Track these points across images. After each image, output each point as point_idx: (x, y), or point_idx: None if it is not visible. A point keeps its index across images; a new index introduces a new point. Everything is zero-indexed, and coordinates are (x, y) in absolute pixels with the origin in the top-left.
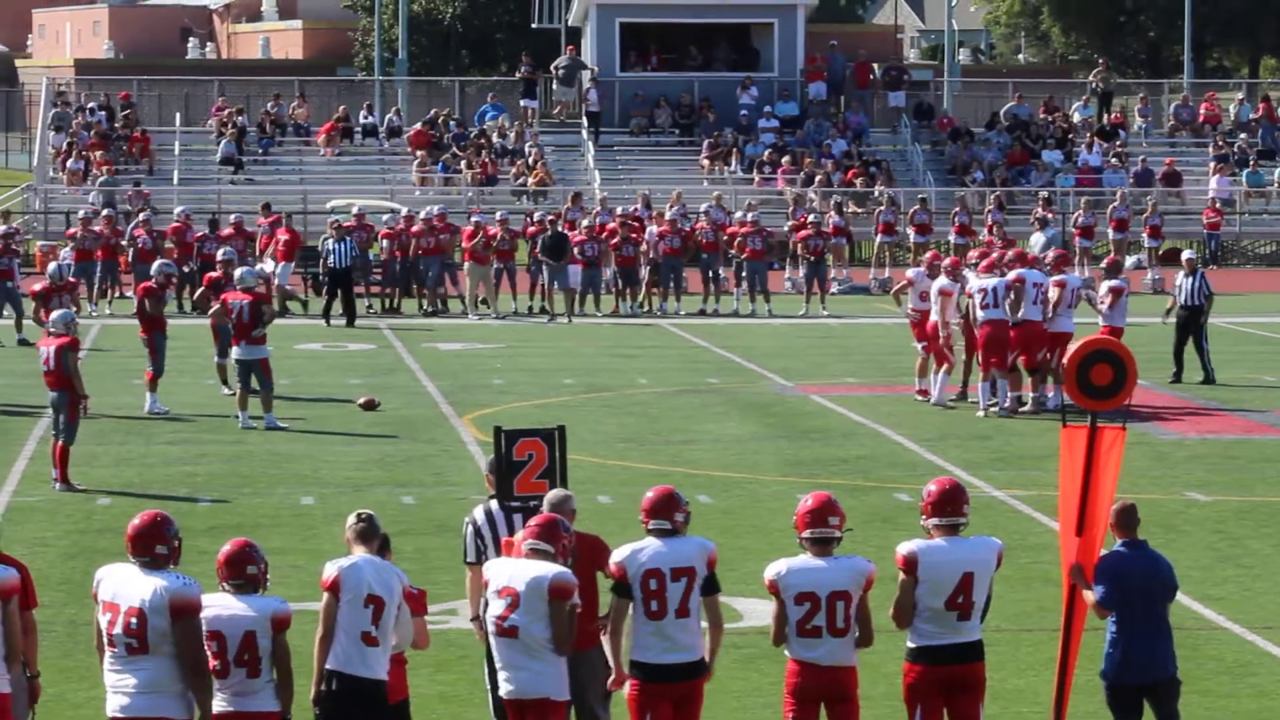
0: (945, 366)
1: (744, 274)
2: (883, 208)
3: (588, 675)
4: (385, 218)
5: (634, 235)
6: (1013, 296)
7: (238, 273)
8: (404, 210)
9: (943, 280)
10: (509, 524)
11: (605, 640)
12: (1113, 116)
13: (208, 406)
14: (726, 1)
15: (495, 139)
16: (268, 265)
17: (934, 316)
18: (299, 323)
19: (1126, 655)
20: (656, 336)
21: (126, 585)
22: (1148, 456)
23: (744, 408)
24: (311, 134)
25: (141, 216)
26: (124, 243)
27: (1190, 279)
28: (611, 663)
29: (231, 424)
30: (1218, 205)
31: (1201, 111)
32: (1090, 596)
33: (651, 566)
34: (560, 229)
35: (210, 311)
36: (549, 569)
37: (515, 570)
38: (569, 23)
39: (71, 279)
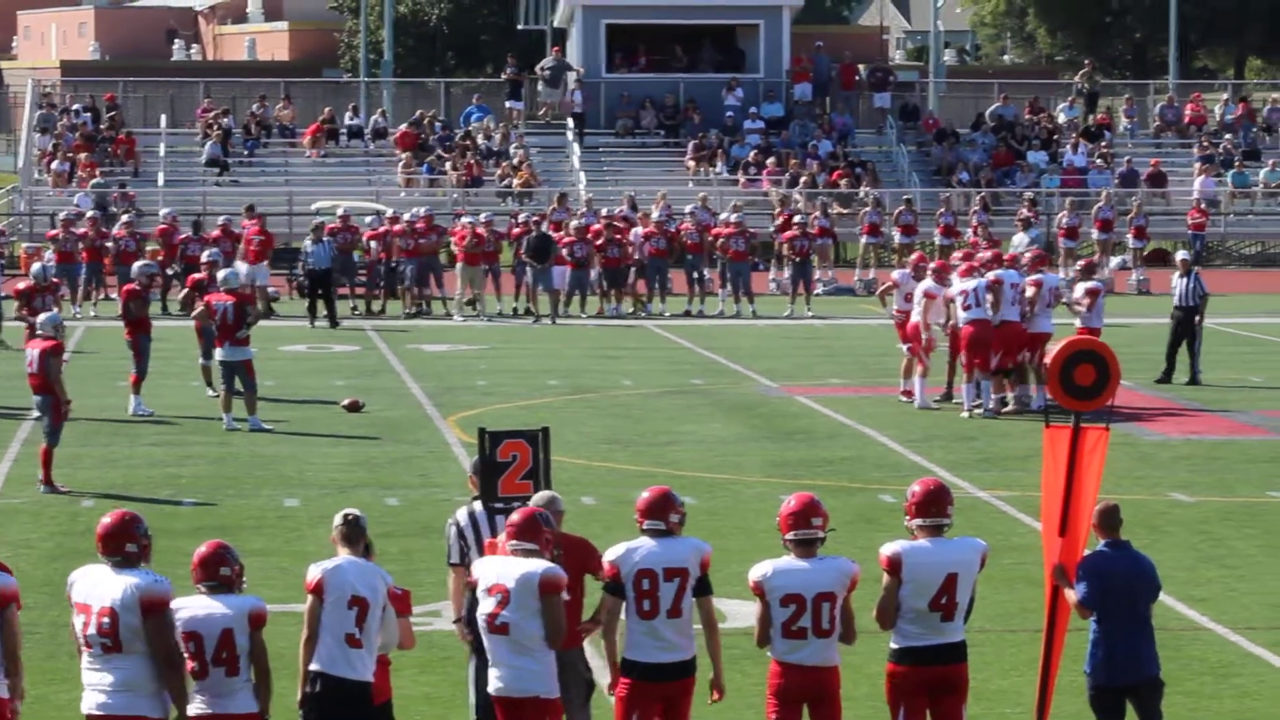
0: (920, 370)
1: (728, 275)
2: (868, 209)
3: (570, 675)
4: (369, 219)
5: (619, 236)
6: (991, 297)
7: (221, 274)
8: (389, 212)
9: (928, 282)
10: (492, 525)
11: (588, 642)
12: (1098, 117)
13: (192, 408)
14: (712, 3)
15: (480, 140)
16: (241, 267)
17: (915, 318)
18: (283, 325)
19: (1110, 656)
20: (641, 338)
21: (98, 586)
22: (1132, 457)
23: (728, 409)
24: (297, 135)
25: (125, 218)
26: (107, 244)
27: (1185, 279)
28: (608, 664)
29: (216, 426)
30: (1203, 206)
31: (1187, 112)
32: (1072, 597)
33: (645, 566)
34: (545, 230)
35: (194, 313)
36: (538, 564)
37: (504, 568)
38: (554, 24)
39: (55, 279)
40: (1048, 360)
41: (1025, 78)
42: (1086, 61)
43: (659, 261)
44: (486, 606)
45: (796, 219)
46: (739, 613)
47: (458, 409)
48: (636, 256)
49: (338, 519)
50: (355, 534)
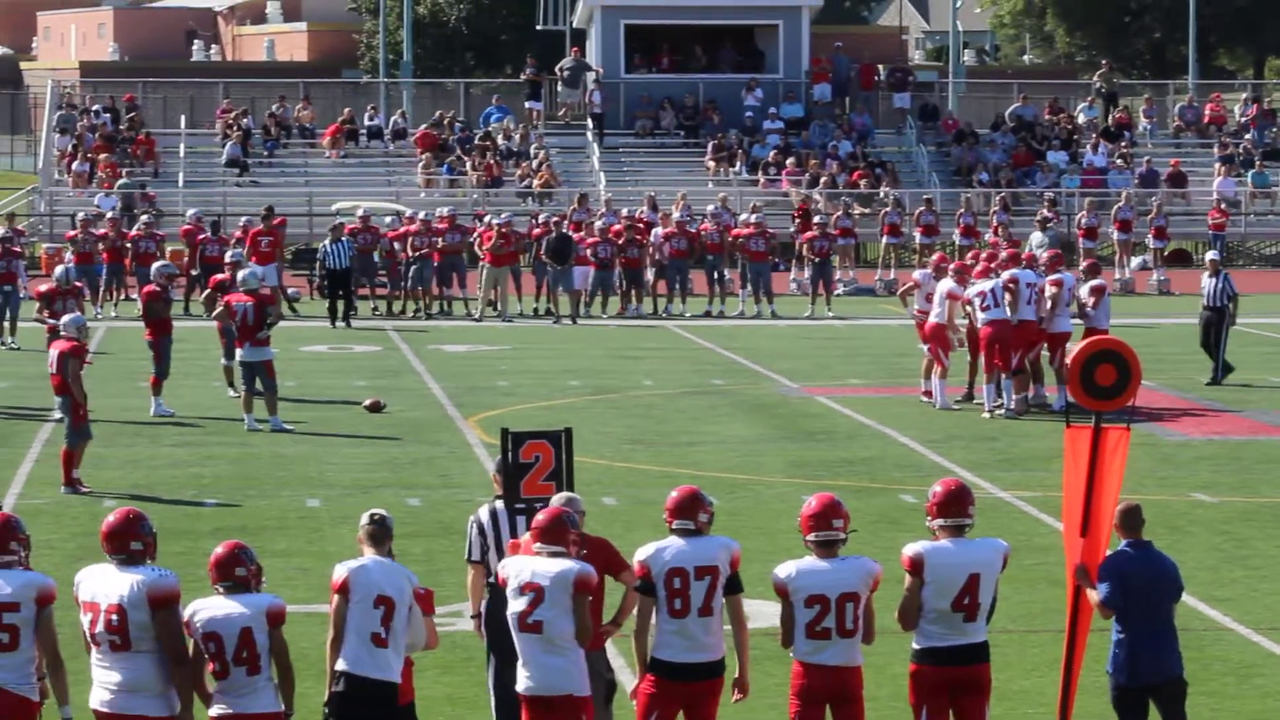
0: (939, 371)
1: (749, 275)
2: (888, 209)
3: (591, 675)
4: (389, 220)
5: (639, 237)
6: (1009, 297)
7: (241, 274)
8: (407, 212)
9: (950, 283)
10: (513, 525)
11: (610, 641)
12: (1117, 116)
13: (213, 409)
14: (731, 3)
15: (500, 141)
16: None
17: (934, 318)
18: (304, 325)
19: (1132, 656)
20: (662, 338)
21: (105, 584)
22: (1154, 457)
23: (749, 409)
24: (316, 136)
25: (144, 219)
26: (126, 245)
27: (1214, 280)
28: (638, 664)
29: (237, 426)
30: (1223, 206)
31: (1206, 112)
32: (1094, 597)
33: (675, 565)
34: (565, 231)
35: (214, 314)
36: (572, 564)
37: (537, 566)
38: (574, 25)
39: (77, 283)
40: (1068, 361)
41: (1045, 78)
42: (1105, 62)
43: (679, 262)
44: (518, 605)
45: (816, 219)
46: (760, 613)
47: (479, 409)
48: (657, 257)
49: (364, 518)
50: (382, 534)
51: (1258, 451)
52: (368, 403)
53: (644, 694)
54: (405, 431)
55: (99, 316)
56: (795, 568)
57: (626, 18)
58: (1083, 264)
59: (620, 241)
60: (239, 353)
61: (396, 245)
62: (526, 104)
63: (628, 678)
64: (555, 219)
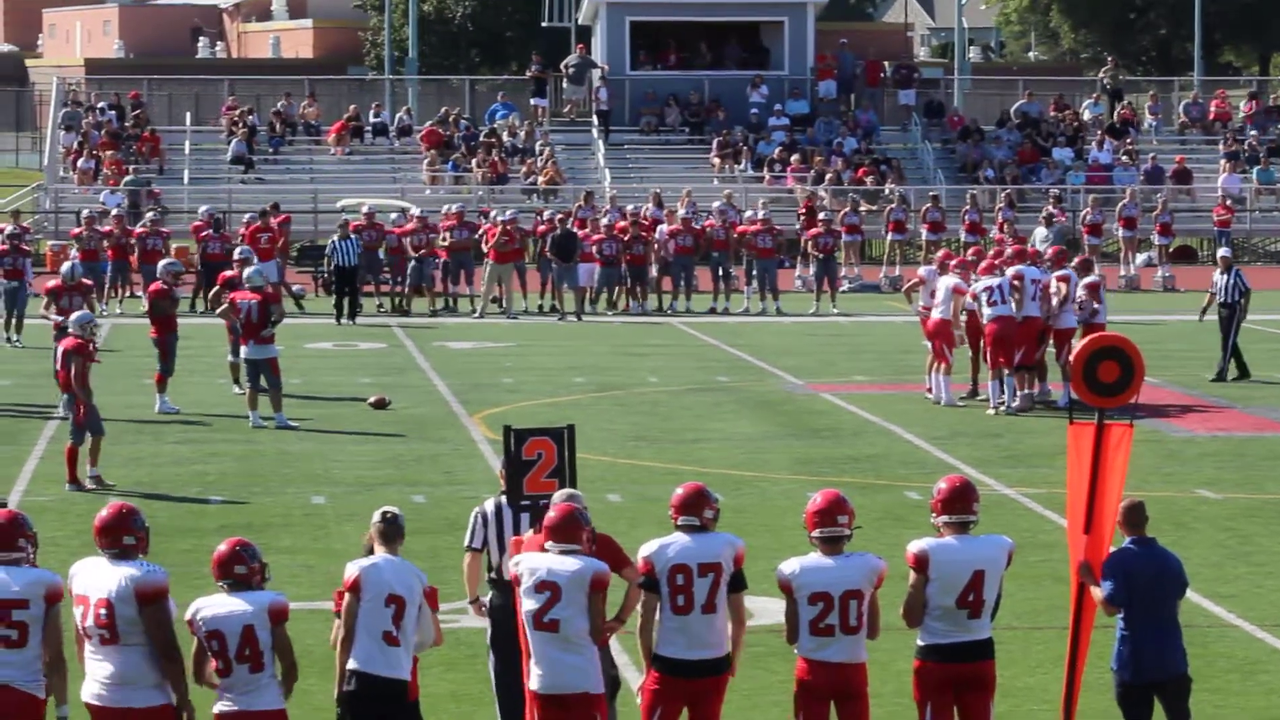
0: (944, 367)
1: (754, 272)
2: (893, 206)
3: None
4: (394, 217)
5: (644, 234)
6: (1015, 294)
7: (246, 272)
8: (412, 209)
9: (953, 278)
10: (517, 521)
11: (615, 638)
12: (1122, 113)
13: (218, 406)
14: (737, 0)
15: (505, 138)
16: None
17: (938, 314)
18: (309, 322)
19: (1137, 653)
20: (667, 335)
21: (96, 577)
22: (1158, 454)
23: (754, 406)
24: (322, 133)
25: (150, 216)
26: (131, 242)
27: (1226, 276)
28: (644, 661)
29: (242, 423)
30: (1228, 202)
31: (1212, 109)
32: (1099, 594)
33: (679, 561)
34: (570, 228)
35: (218, 310)
36: (588, 562)
37: (553, 565)
38: (579, 21)
39: (85, 280)
40: (1072, 357)
41: (1050, 74)
42: (1110, 58)
43: (685, 259)
44: (533, 604)
45: (821, 216)
46: (766, 610)
47: (484, 406)
48: (662, 254)
49: (376, 516)
50: (393, 532)
51: (1262, 448)
52: (373, 400)
53: (648, 690)
54: (410, 428)
55: (104, 313)
56: (799, 564)
57: (632, 14)
58: (1074, 261)
59: (626, 238)
60: (243, 350)
61: (405, 241)
62: (532, 101)
63: (633, 674)
64: (560, 216)
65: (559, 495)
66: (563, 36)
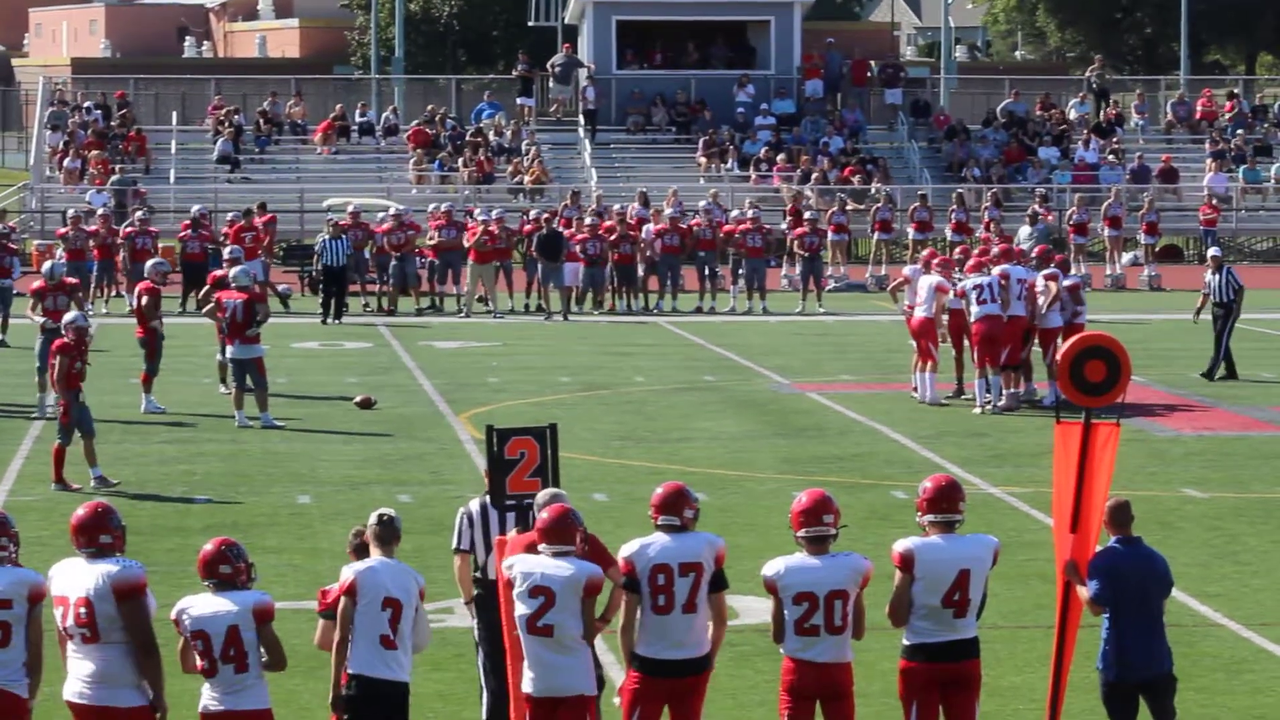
0: (930, 365)
1: (742, 271)
2: (880, 205)
3: None
4: (380, 216)
5: (632, 233)
6: (1002, 293)
7: (232, 272)
8: (395, 209)
9: (936, 277)
10: (502, 521)
11: (599, 637)
12: (1108, 112)
13: (204, 405)
14: (723, 0)
15: (492, 137)
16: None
17: (922, 312)
18: (295, 321)
19: (1122, 652)
20: (653, 334)
21: (74, 577)
22: (1144, 453)
23: (740, 405)
24: (308, 133)
25: (139, 215)
26: (118, 241)
27: (1217, 275)
28: (625, 660)
29: (228, 423)
30: (1214, 202)
31: (1198, 108)
32: (1085, 593)
33: (660, 561)
34: (556, 227)
35: (205, 310)
36: (582, 566)
37: (547, 569)
38: (565, 21)
39: (70, 280)
40: (1059, 357)
41: (1036, 74)
42: (1096, 57)
43: (671, 258)
44: (527, 608)
45: (807, 215)
46: (751, 609)
47: (470, 406)
48: (648, 253)
49: (372, 519)
50: (389, 534)
51: (1248, 447)
52: (359, 399)
53: (628, 690)
54: (396, 428)
55: (90, 313)
56: (784, 565)
57: (618, 14)
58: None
59: (613, 238)
60: (229, 350)
61: (384, 240)
62: (518, 100)
63: (617, 674)
64: (546, 215)
65: (542, 495)
66: (549, 36)
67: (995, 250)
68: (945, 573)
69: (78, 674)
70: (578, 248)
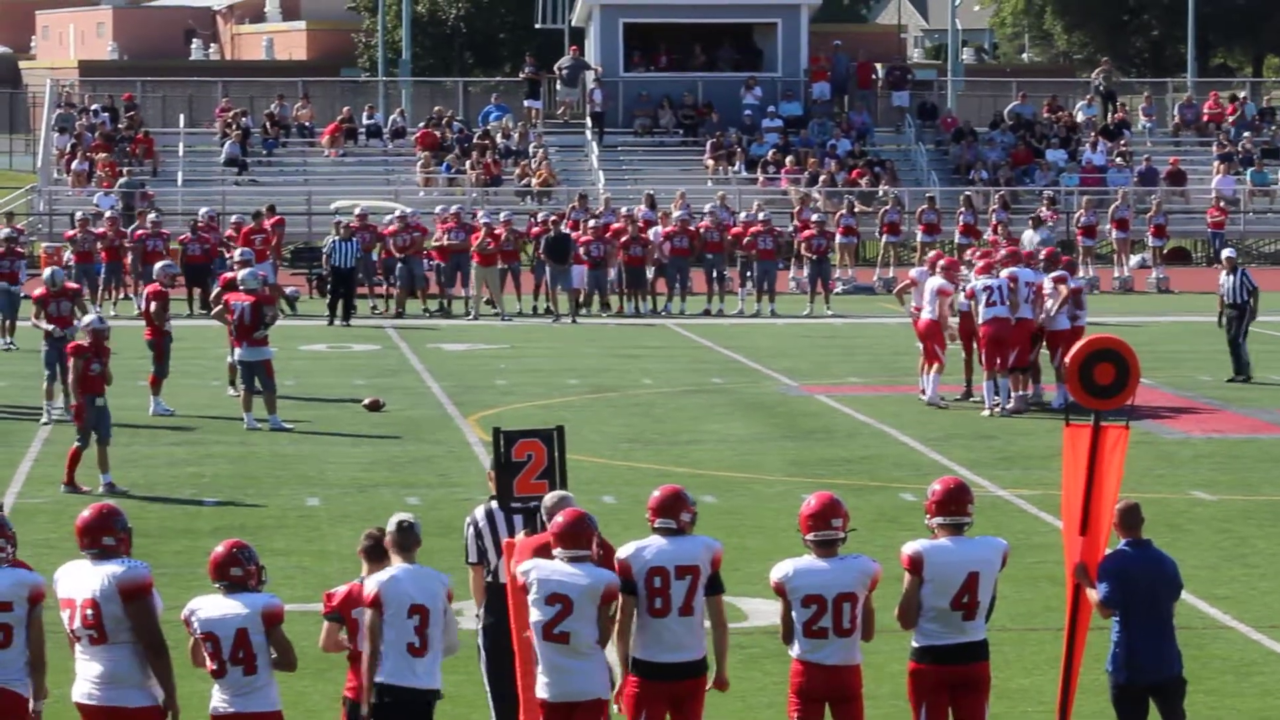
0: (936, 366)
1: (752, 274)
2: (887, 207)
3: None
4: (386, 219)
5: (642, 235)
6: (1011, 296)
7: (241, 274)
8: (401, 210)
9: (940, 279)
10: (509, 524)
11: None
12: (1116, 114)
13: (213, 408)
14: (730, 2)
15: (499, 140)
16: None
17: (928, 315)
18: (304, 324)
19: (1132, 655)
20: (661, 337)
21: (80, 579)
22: (1153, 455)
23: (748, 408)
24: (315, 135)
25: (151, 218)
26: (126, 244)
27: (1231, 277)
28: (618, 667)
29: (236, 425)
30: (1222, 204)
31: (1205, 110)
32: (1094, 596)
33: (656, 564)
34: (563, 229)
35: (214, 312)
36: (599, 575)
37: (564, 577)
38: (572, 23)
39: (73, 284)
40: (1068, 359)
41: (1044, 76)
42: (1104, 60)
43: (680, 261)
44: (543, 615)
45: (815, 217)
46: (760, 611)
47: (478, 408)
48: (656, 256)
49: (391, 526)
50: (409, 541)
51: (1257, 449)
52: (367, 401)
53: (629, 695)
54: (404, 430)
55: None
56: (792, 567)
57: (625, 16)
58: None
59: (624, 240)
60: (237, 352)
61: (390, 242)
62: (525, 103)
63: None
64: (554, 218)
65: (550, 497)
66: (556, 38)
67: (1003, 252)
68: (954, 575)
69: (86, 675)
70: (581, 250)
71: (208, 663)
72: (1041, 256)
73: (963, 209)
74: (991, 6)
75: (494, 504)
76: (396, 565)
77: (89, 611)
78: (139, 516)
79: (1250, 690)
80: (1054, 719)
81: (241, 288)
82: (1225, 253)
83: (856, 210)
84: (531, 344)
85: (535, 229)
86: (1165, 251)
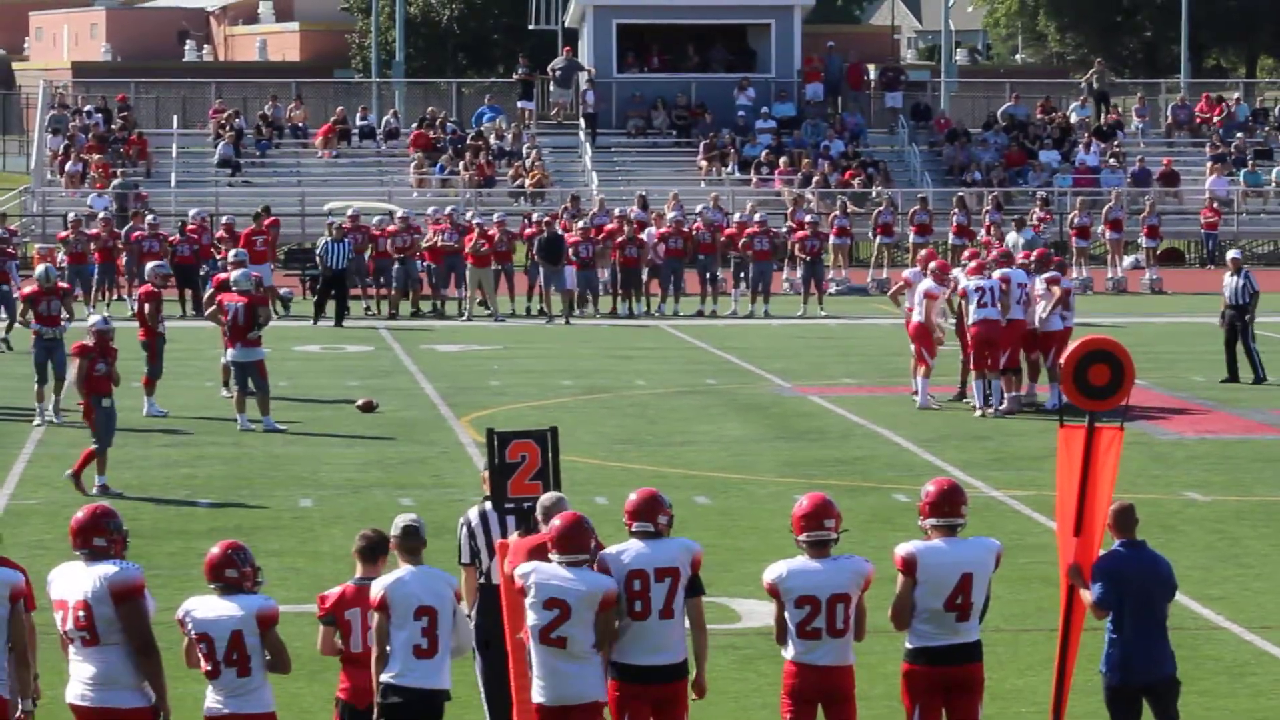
0: (923, 370)
1: (746, 274)
2: (881, 208)
3: None
4: (375, 219)
5: (638, 236)
6: (1002, 297)
7: (234, 275)
8: (399, 212)
9: (928, 282)
10: (502, 525)
11: None
12: (1109, 116)
13: (206, 409)
14: (723, 3)
15: (492, 141)
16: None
17: (918, 317)
18: (296, 325)
19: (1125, 656)
20: (654, 338)
21: (72, 580)
22: (1146, 456)
23: (742, 409)
24: (309, 136)
25: (149, 220)
26: (120, 245)
27: (1235, 278)
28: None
29: (230, 426)
30: (1215, 205)
31: (1198, 112)
32: (1088, 597)
33: (635, 567)
34: (556, 231)
35: (208, 313)
36: (598, 580)
37: (563, 582)
38: (566, 24)
39: (64, 284)
40: (1062, 360)
41: (1037, 77)
42: (1097, 61)
43: (674, 262)
44: (540, 619)
45: (808, 218)
46: (754, 612)
47: (471, 409)
48: (650, 256)
49: (396, 528)
50: (414, 543)
51: (1250, 450)
52: (360, 403)
53: (611, 699)
54: (398, 431)
55: (90, 316)
56: (786, 568)
57: (618, 17)
58: (1035, 255)
59: (619, 240)
60: (230, 353)
61: (388, 243)
62: (519, 104)
63: None
64: (547, 219)
65: (546, 498)
66: (549, 39)
67: (995, 253)
68: (947, 576)
69: (79, 676)
70: (571, 250)
71: (202, 664)
72: (1029, 258)
73: (956, 210)
74: (985, 7)
75: (488, 505)
76: (403, 567)
77: (81, 613)
78: (133, 518)
79: (1243, 691)
80: None
81: (234, 289)
82: (1230, 254)
83: (849, 211)
84: (525, 345)
85: (528, 230)
86: (1159, 252)
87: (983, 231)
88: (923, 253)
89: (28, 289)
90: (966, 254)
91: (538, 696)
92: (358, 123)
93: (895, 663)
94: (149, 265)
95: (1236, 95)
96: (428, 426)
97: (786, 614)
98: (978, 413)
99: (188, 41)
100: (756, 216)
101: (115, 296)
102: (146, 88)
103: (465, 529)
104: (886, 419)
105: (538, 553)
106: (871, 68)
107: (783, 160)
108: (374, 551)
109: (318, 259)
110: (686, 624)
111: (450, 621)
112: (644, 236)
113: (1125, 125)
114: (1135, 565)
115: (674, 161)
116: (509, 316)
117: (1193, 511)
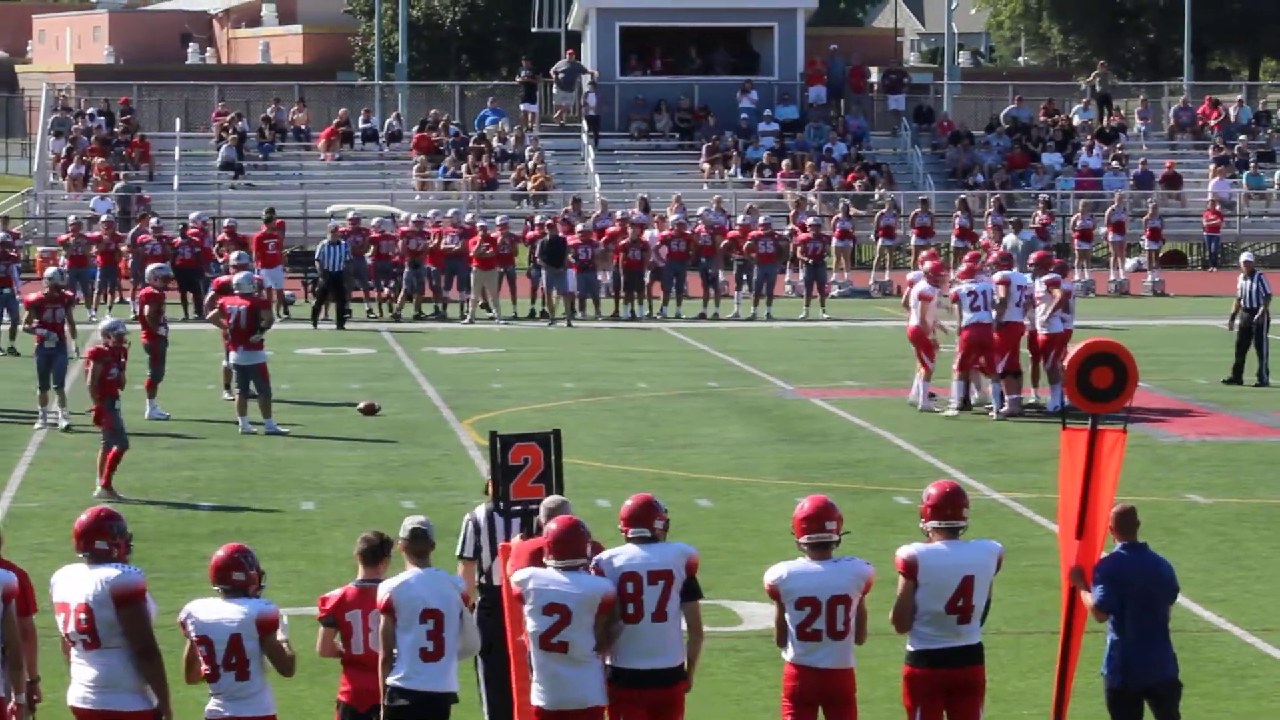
0: (922, 373)
1: (750, 277)
2: (883, 211)
3: None
4: (375, 221)
5: (641, 239)
6: (1001, 297)
7: (236, 278)
8: (401, 215)
9: (922, 285)
10: (507, 528)
11: None
12: (1111, 118)
13: (208, 412)
14: (726, 5)
15: (495, 143)
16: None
17: (913, 321)
18: (298, 328)
19: (1127, 658)
20: (657, 340)
21: (74, 583)
22: (1148, 458)
23: (744, 411)
24: (311, 139)
25: (153, 223)
26: (123, 248)
27: (1249, 281)
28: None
29: (232, 429)
30: (1218, 207)
31: (1200, 115)
32: (1089, 599)
33: (629, 569)
34: (559, 234)
35: (209, 316)
36: (596, 584)
37: (563, 587)
38: (569, 27)
39: (67, 291)
40: (1066, 363)
41: (1040, 79)
42: (1100, 63)
43: (677, 264)
44: (539, 625)
45: (810, 221)
46: (755, 615)
47: (473, 412)
48: (652, 259)
49: (404, 531)
50: (422, 546)
51: (1252, 453)
52: (362, 405)
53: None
54: (400, 434)
55: (93, 319)
56: (786, 570)
57: (621, 20)
58: (1032, 258)
59: (622, 243)
60: (232, 356)
61: (398, 245)
62: (521, 106)
63: None
64: (549, 222)
65: (549, 501)
66: (552, 42)
67: (995, 255)
68: (949, 579)
69: (81, 680)
70: (572, 253)
71: (202, 666)
72: (1031, 260)
73: (958, 213)
74: (988, 10)
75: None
76: (409, 570)
77: (82, 616)
78: (135, 521)
79: (1245, 693)
80: None
81: (237, 291)
82: (1243, 257)
83: (852, 214)
84: (527, 348)
85: (531, 232)
86: (1161, 255)
87: (984, 234)
88: (924, 254)
89: (33, 295)
90: (967, 256)
91: (537, 700)
92: (360, 125)
93: (896, 665)
94: (149, 268)
95: (1239, 98)
96: (430, 429)
97: (787, 616)
98: (950, 410)
99: (190, 44)
100: (761, 219)
101: (117, 300)
102: (149, 90)
103: (471, 524)
104: (888, 421)
105: (539, 556)
106: (874, 70)
107: (785, 163)
108: (375, 554)
109: (316, 262)
110: (684, 628)
111: (456, 624)
112: (646, 239)
113: (1128, 128)
114: (1137, 568)
115: (676, 164)
116: (511, 319)
117: (1194, 514)
